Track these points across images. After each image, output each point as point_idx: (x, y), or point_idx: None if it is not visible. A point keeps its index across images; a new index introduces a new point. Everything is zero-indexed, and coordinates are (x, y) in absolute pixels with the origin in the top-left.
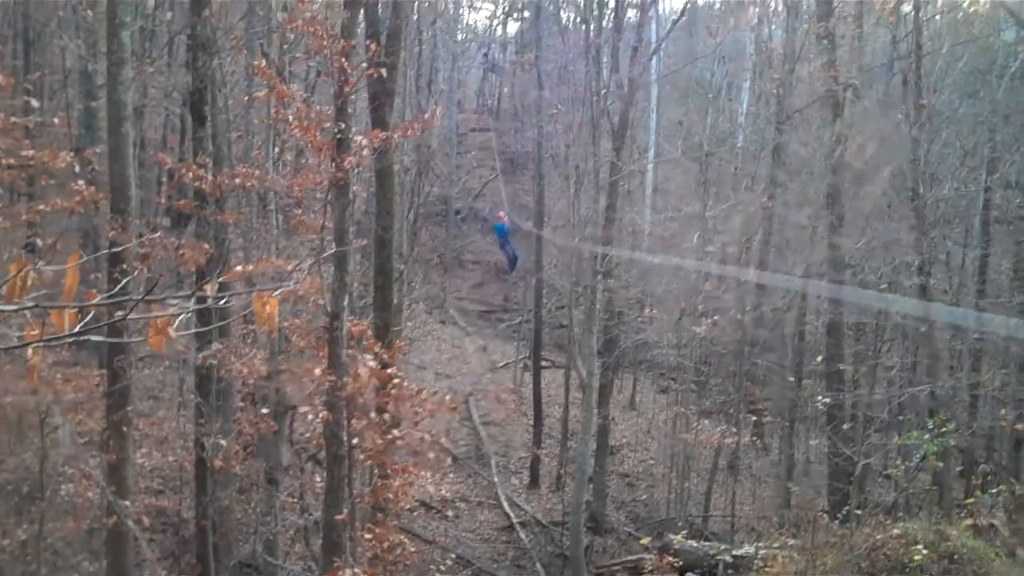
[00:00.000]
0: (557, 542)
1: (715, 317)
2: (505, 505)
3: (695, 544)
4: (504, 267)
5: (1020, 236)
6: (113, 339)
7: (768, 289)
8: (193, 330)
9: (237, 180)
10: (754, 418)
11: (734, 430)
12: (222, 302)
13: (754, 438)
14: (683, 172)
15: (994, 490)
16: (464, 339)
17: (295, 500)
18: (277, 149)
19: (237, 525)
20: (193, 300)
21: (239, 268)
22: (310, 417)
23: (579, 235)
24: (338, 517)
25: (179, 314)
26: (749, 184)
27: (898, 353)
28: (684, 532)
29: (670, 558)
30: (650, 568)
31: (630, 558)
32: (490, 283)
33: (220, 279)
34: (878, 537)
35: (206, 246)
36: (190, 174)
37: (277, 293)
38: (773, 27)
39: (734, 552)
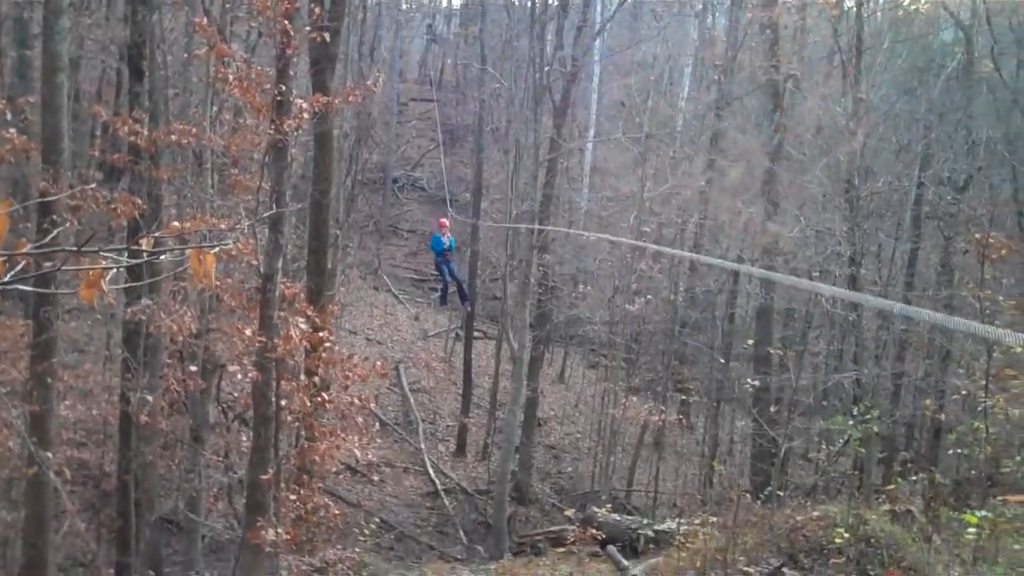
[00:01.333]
0: (481, 510)
1: (647, 296)
2: (431, 472)
3: (618, 517)
4: (439, 295)
5: (949, 232)
6: (43, 290)
7: (701, 271)
8: (124, 284)
9: (173, 137)
10: (681, 397)
11: (661, 408)
12: (159, 258)
13: (680, 416)
14: (622, 153)
15: (913, 478)
16: (397, 307)
17: (220, 459)
18: (215, 108)
19: (160, 481)
20: (127, 255)
21: (176, 224)
22: (239, 377)
23: (516, 209)
24: (263, 477)
25: (112, 268)
26: (687, 168)
27: (825, 340)
28: (607, 505)
29: (592, 530)
30: (572, 539)
31: (553, 529)
32: (425, 252)
33: (156, 234)
34: (799, 518)
35: (139, 201)
36: (125, 128)
37: (215, 250)
38: (717, 14)
39: (656, 527)
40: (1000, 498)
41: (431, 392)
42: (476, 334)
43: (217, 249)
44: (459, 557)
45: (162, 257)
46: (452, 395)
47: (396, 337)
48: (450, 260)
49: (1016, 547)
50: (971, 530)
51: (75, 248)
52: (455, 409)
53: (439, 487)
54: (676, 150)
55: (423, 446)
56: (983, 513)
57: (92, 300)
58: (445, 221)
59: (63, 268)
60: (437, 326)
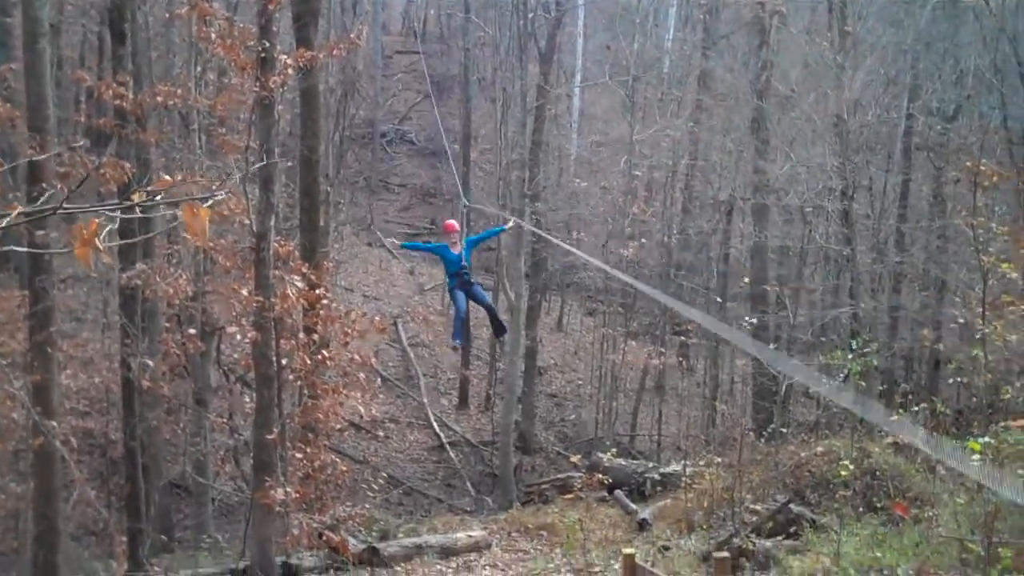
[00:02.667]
0: (487, 461)
1: (642, 240)
2: (435, 425)
3: (623, 462)
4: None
5: (940, 162)
6: (38, 250)
7: (693, 212)
8: (118, 241)
9: (159, 99)
10: (680, 339)
11: (660, 351)
12: (150, 212)
13: (680, 359)
14: (610, 97)
15: (915, 408)
16: (391, 262)
17: (224, 421)
18: (199, 68)
19: (166, 446)
20: (119, 212)
21: (167, 178)
22: (238, 338)
23: (506, 158)
24: (268, 437)
25: (106, 224)
26: (675, 109)
27: (821, 276)
28: (612, 451)
29: (599, 476)
30: (579, 486)
31: (559, 476)
32: (417, 206)
33: (148, 189)
34: (803, 455)
35: (127, 165)
36: (110, 92)
37: (208, 204)
38: None
39: (662, 470)
40: (1002, 424)
41: (430, 346)
42: None
43: (210, 203)
44: (468, 509)
45: (155, 213)
46: (451, 348)
47: (393, 292)
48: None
49: (1021, 471)
50: (975, 457)
51: (63, 199)
52: (455, 362)
53: (444, 440)
54: (664, 92)
55: (426, 400)
56: (985, 439)
57: (88, 259)
58: (453, 224)
59: (54, 231)
60: (433, 279)
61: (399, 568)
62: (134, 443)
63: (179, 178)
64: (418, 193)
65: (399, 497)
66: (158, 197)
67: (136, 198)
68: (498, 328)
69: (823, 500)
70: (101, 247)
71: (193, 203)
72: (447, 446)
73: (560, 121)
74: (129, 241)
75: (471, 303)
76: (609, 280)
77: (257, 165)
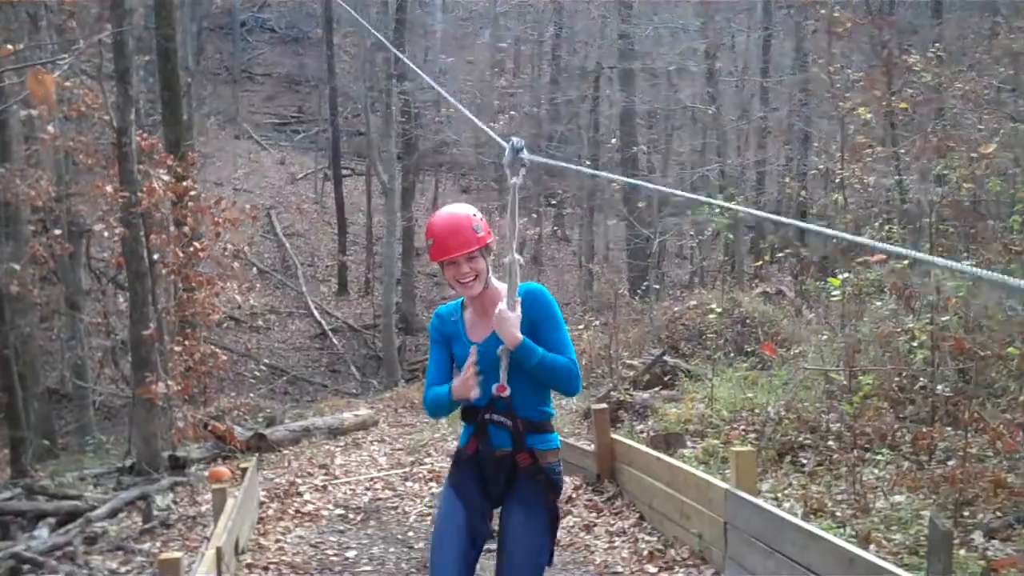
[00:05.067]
0: (370, 345)
1: (511, 113)
2: (315, 313)
3: None
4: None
5: (799, 18)
6: None
7: (561, 83)
8: None
9: None
10: (554, 209)
11: (536, 222)
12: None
13: (555, 228)
14: None
15: (780, 255)
16: (261, 153)
17: (100, 323)
18: None
19: (42, 353)
20: None
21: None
22: (106, 236)
23: (370, 39)
24: (145, 333)
25: None
26: None
27: (689, 137)
28: None
29: None
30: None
31: None
32: (283, 95)
33: None
34: (676, 309)
35: None
36: None
37: (56, 74)
38: None
39: None
40: (860, 260)
41: (306, 235)
42: (344, 171)
43: (57, 73)
44: (354, 392)
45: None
46: (328, 236)
47: (264, 184)
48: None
49: (878, 303)
50: (835, 293)
51: None
52: (332, 249)
53: (326, 327)
54: None
55: (305, 289)
56: (845, 275)
57: None
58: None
59: None
60: (304, 168)
61: (287, 451)
62: (7, 351)
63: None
64: (283, 81)
65: (284, 386)
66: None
67: None
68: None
69: (697, 350)
70: None
71: (38, 69)
72: (329, 333)
73: None
74: None
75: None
76: (481, 155)
77: (104, 34)
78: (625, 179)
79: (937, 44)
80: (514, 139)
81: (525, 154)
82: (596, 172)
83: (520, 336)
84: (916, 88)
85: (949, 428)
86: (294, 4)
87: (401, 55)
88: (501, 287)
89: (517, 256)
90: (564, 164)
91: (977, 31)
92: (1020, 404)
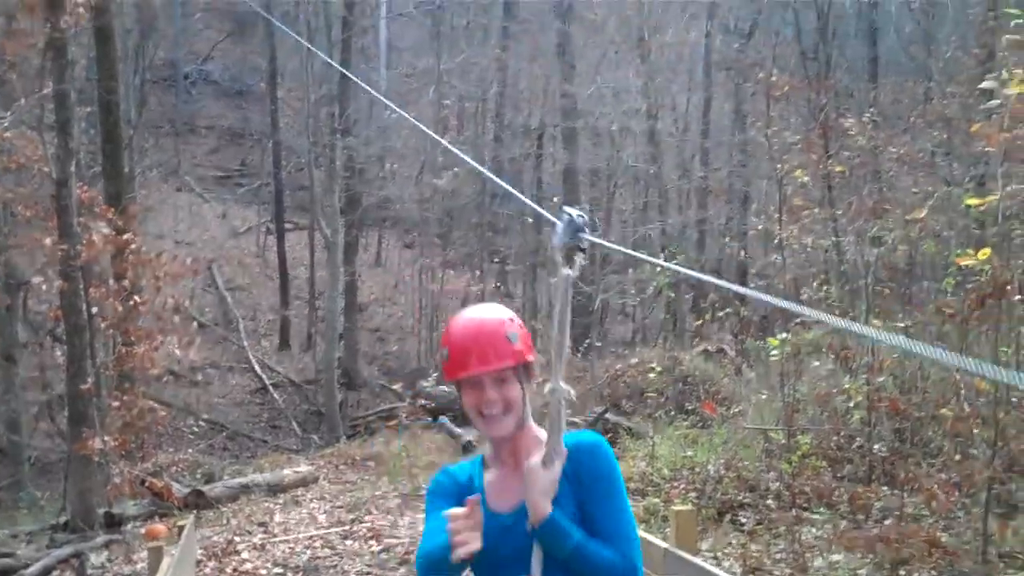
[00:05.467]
0: (312, 400)
1: (455, 170)
2: (256, 368)
3: (447, 388)
4: None
5: (738, 78)
6: None
7: (505, 140)
8: None
9: None
10: (497, 266)
11: (479, 279)
12: None
13: (498, 285)
14: (416, 28)
15: (720, 314)
16: (203, 206)
17: (36, 376)
18: None
19: None
20: None
21: None
22: (44, 288)
23: (314, 94)
24: (83, 387)
25: None
26: (482, 38)
27: (631, 196)
28: (435, 377)
29: (423, 403)
30: (403, 414)
31: (384, 408)
32: (226, 148)
33: None
34: (618, 367)
35: None
36: None
37: None
38: None
39: None
40: (798, 321)
41: (248, 289)
42: (287, 225)
43: None
44: (295, 448)
45: None
46: (270, 290)
47: (206, 237)
48: None
49: (816, 363)
50: (774, 352)
51: None
52: (274, 303)
53: (267, 382)
54: (470, 20)
55: (246, 343)
56: (784, 335)
57: None
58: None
59: None
60: (246, 222)
61: (226, 508)
62: None
63: None
64: (226, 134)
65: (224, 442)
66: None
67: None
68: None
69: (638, 408)
70: None
71: None
72: (270, 388)
73: (368, 54)
74: None
75: None
76: (426, 211)
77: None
78: (699, 275)
79: (872, 108)
80: (572, 212)
81: (586, 234)
82: (665, 264)
83: (548, 508)
84: (852, 151)
85: (886, 487)
86: (238, 57)
87: (359, 81)
88: (541, 434)
89: (565, 386)
90: (634, 253)
91: (912, 96)
92: (954, 464)
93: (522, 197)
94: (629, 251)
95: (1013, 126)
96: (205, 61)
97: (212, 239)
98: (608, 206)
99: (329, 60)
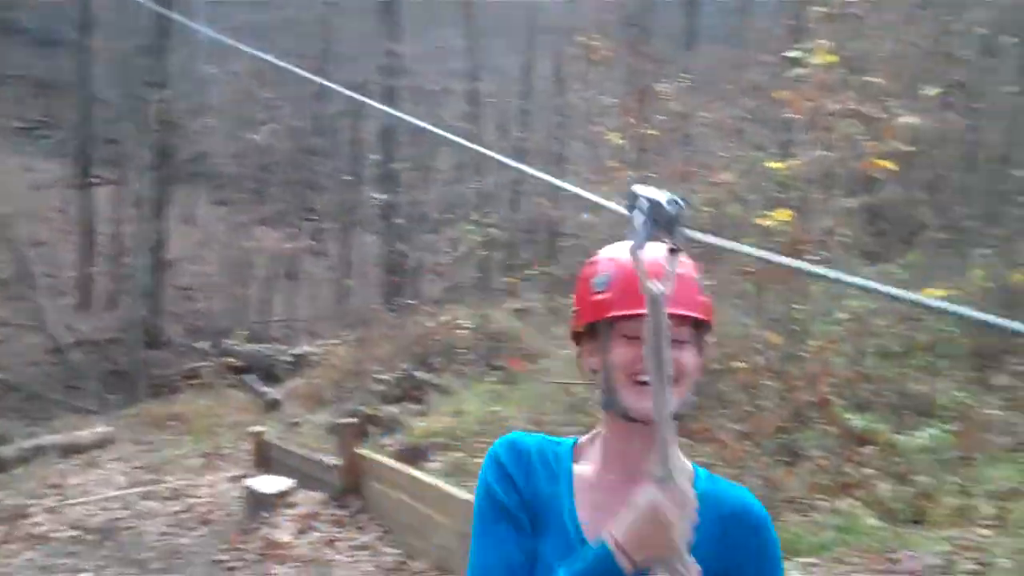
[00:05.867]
0: (113, 360)
1: (273, 124)
2: (53, 327)
3: (255, 347)
4: None
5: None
6: None
7: (327, 96)
8: None
9: None
10: (312, 223)
11: (293, 237)
12: None
13: (313, 243)
14: None
15: (531, 271)
16: (2, 158)
17: None
18: None
19: None
20: None
21: None
22: None
23: (131, 44)
24: None
25: None
26: None
27: (450, 155)
28: (243, 334)
29: (229, 361)
30: (209, 372)
31: (189, 366)
32: (28, 98)
33: None
34: (429, 324)
35: None
36: None
37: None
38: None
39: (294, 351)
40: None
41: (49, 245)
42: (94, 180)
43: None
44: (93, 409)
45: None
46: (72, 245)
47: (3, 191)
48: None
49: None
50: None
51: None
52: (77, 260)
53: (65, 342)
54: None
55: (43, 302)
56: None
57: None
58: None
59: None
60: (51, 176)
61: (19, 471)
62: None
63: None
64: (34, 85)
65: (18, 403)
66: None
67: None
68: None
69: (448, 365)
70: None
71: None
72: (69, 347)
73: (191, 4)
74: None
75: None
76: (241, 167)
77: None
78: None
79: (687, 74)
80: (657, 196)
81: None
82: (761, 253)
83: (692, 560)
84: (666, 115)
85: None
86: (50, 6)
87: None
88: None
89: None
90: (736, 245)
91: (728, 64)
92: (745, 415)
93: (584, 192)
94: (736, 245)
95: (816, 95)
96: (11, 8)
97: (11, 193)
98: (426, 165)
99: (168, 13)
